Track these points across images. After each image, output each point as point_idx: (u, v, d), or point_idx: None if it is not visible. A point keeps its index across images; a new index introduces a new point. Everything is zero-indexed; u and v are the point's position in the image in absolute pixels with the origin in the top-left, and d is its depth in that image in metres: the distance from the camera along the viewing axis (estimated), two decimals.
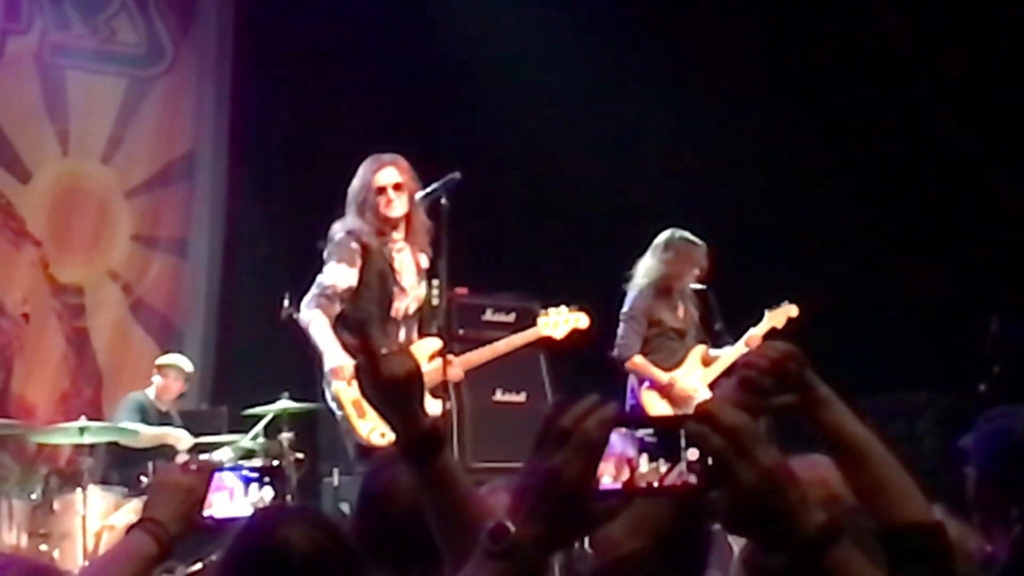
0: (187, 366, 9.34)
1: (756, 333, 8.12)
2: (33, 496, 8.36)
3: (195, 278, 11.20)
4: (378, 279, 6.74)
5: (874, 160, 10.53)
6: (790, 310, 8.24)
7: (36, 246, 10.60)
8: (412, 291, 6.85)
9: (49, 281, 10.62)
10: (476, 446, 8.78)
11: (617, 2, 10.91)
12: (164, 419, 9.17)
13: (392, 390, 2.44)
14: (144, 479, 8.39)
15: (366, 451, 6.63)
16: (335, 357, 6.58)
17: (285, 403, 8.06)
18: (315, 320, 6.65)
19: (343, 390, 6.61)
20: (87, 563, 7.58)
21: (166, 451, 8.89)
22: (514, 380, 9.88)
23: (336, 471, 8.71)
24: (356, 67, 10.92)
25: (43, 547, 8.04)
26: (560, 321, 7.29)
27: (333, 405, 6.79)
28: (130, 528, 2.76)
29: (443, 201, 6.63)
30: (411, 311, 6.87)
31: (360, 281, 6.70)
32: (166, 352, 9.78)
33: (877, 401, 10.17)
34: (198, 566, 8.30)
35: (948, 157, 10.27)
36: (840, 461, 2.59)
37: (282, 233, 10.38)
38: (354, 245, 6.71)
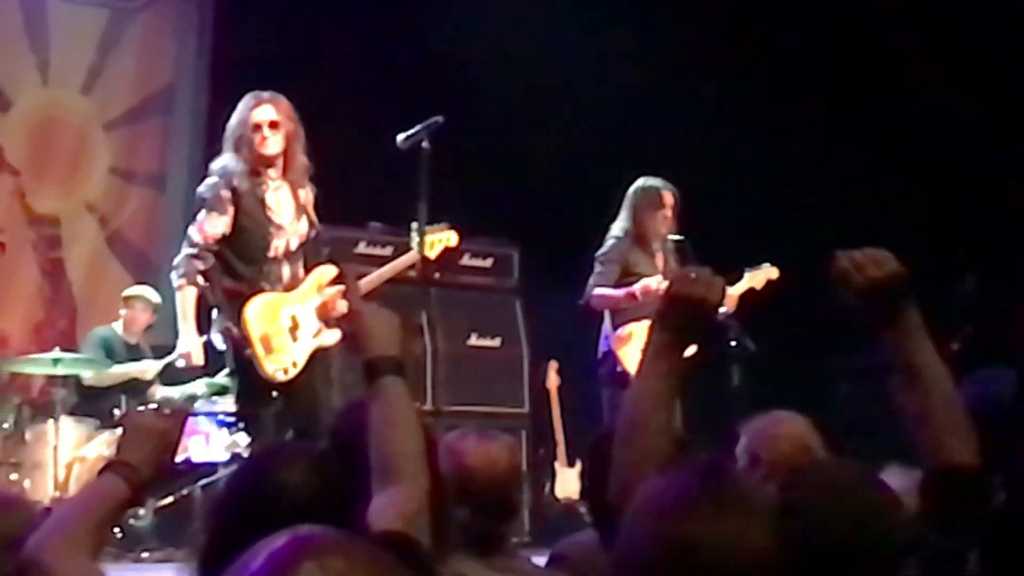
0: (154, 297, 9.26)
1: (733, 292, 8.08)
2: (5, 426, 8.36)
3: (172, 213, 11.14)
4: (252, 221, 6.67)
5: (851, 119, 10.54)
6: (771, 272, 8.20)
7: (14, 175, 10.55)
8: (291, 227, 6.77)
9: (25, 211, 10.58)
10: (449, 389, 8.81)
11: None
12: (133, 352, 9.14)
13: (357, 323, 2.83)
14: (116, 412, 8.40)
15: (263, 385, 6.61)
16: (186, 341, 6.67)
17: None
18: (180, 292, 6.65)
19: (252, 326, 6.54)
20: (59, 503, 7.59)
21: (137, 385, 8.89)
22: (489, 325, 9.93)
23: None
24: (341, 4, 10.87)
25: (13, 476, 8.06)
26: (434, 241, 7.21)
27: (219, 343, 6.71)
28: (102, 470, 2.73)
29: (424, 145, 6.61)
30: (292, 247, 6.77)
31: (235, 225, 6.65)
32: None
33: (849, 359, 10.23)
34: (168, 500, 8.34)
35: (920, 111, 10.29)
36: (907, 387, 2.72)
37: None
38: (224, 192, 6.65)
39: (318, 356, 6.76)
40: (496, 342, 9.96)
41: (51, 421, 8.15)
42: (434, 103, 6.97)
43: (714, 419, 7.01)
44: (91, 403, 8.73)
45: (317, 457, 2.57)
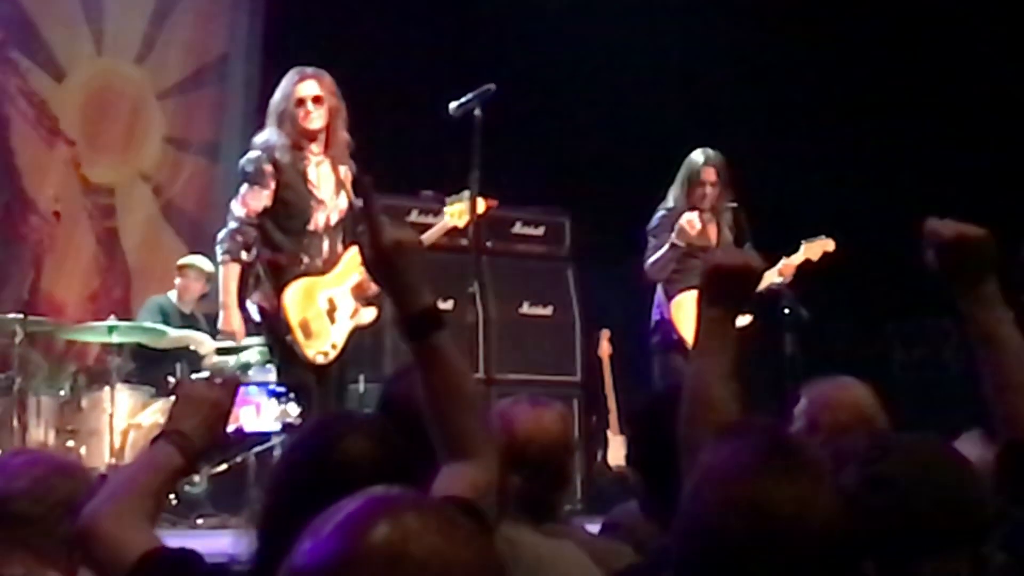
0: (207, 266, 9.28)
1: (791, 262, 8.07)
2: (61, 393, 8.43)
3: (225, 182, 11.16)
4: (294, 194, 6.76)
5: (908, 90, 10.45)
6: (827, 244, 8.16)
7: (69, 145, 10.62)
8: (331, 202, 6.86)
9: (81, 181, 10.65)
10: (501, 358, 8.82)
11: None
12: (187, 320, 9.20)
13: (389, 261, 2.49)
14: (171, 379, 8.46)
15: (303, 365, 6.69)
16: (229, 320, 6.74)
17: None
18: (225, 268, 6.76)
19: (291, 312, 6.66)
20: (114, 470, 7.66)
21: (192, 353, 8.93)
22: (541, 293, 9.92)
23: (362, 377, 8.77)
24: None
25: (70, 443, 8.13)
26: (462, 211, 7.23)
27: (254, 313, 6.81)
28: (155, 439, 2.74)
29: (476, 112, 6.61)
30: (332, 222, 6.87)
31: (276, 199, 6.74)
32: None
33: (903, 326, 10.19)
34: (222, 467, 8.40)
35: (977, 78, 10.19)
36: (987, 358, 2.72)
37: None
38: (267, 167, 6.73)
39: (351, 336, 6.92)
40: (548, 310, 9.95)
41: (107, 388, 8.22)
42: (486, 71, 6.97)
43: (768, 388, 7.00)
44: (147, 370, 8.81)
45: (379, 426, 2.55)
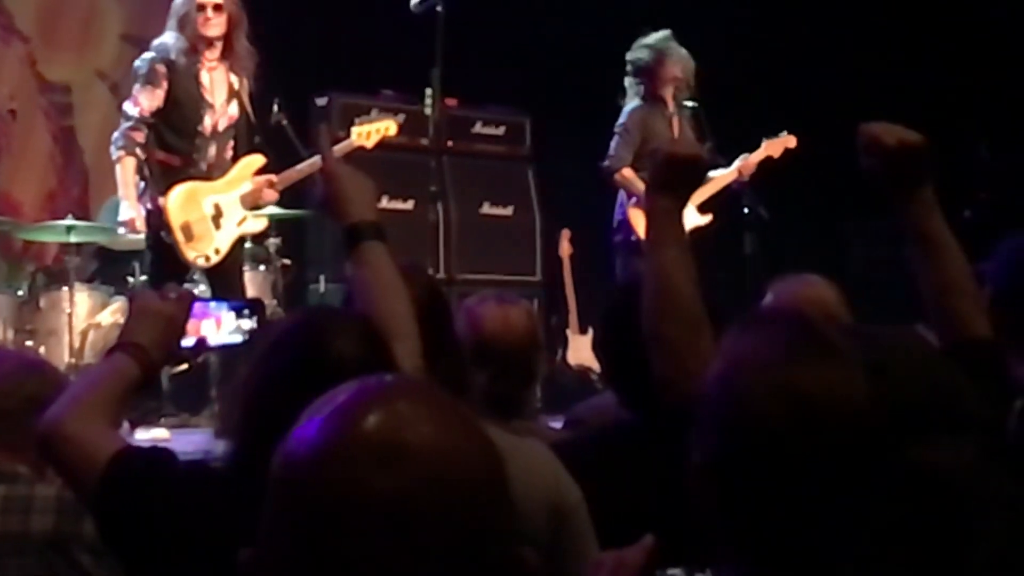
0: None
1: (751, 159, 8.07)
2: (19, 293, 8.38)
3: None
4: (186, 95, 7.00)
5: None
6: (788, 140, 8.17)
7: (24, 42, 10.45)
8: (221, 109, 7.10)
9: (37, 79, 10.50)
10: (462, 258, 8.82)
11: None
12: None
13: (331, 184, 2.88)
14: (130, 279, 8.42)
15: (179, 266, 6.99)
16: (128, 210, 7.04)
17: (273, 209, 8.04)
18: (120, 164, 7.03)
19: (173, 213, 6.93)
20: (74, 370, 7.64)
21: None
22: (501, 193, 9.92)
23: (323, 278, 8.77)
24: None
25: (29, 343, 8.09)
26: (372, 131, 7.39)
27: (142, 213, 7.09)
28: (112, 350, 2.69)
29: (439, 8, 6.58)
30: (220, 128, 7.12)
31: (168, 99, 6.98)
32: None
33: (864, 226, 10.23)
34: (183, 367, 8.39)
35: None
36: (926, 262, 2.80)
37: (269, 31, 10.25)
38: (159, 67, 7.00)
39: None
40: (509, 210, 9.96)
41: (65, 288, 8.16)
42: None
43: (729, 286, 7.03)
44: (106, 269, 8.77)
45: (363, 323, 2.55)
